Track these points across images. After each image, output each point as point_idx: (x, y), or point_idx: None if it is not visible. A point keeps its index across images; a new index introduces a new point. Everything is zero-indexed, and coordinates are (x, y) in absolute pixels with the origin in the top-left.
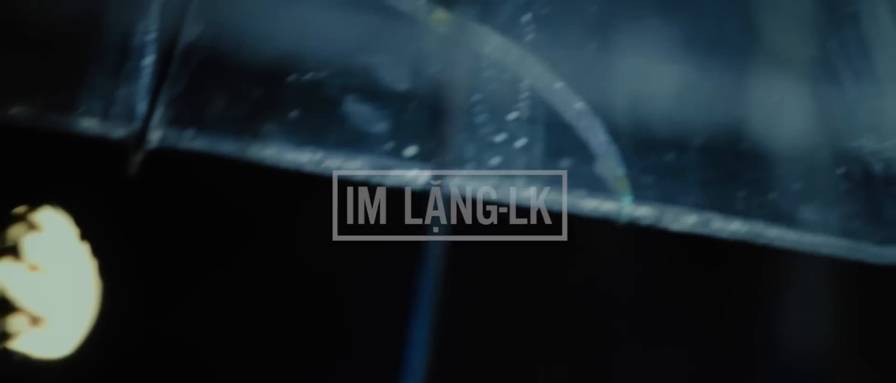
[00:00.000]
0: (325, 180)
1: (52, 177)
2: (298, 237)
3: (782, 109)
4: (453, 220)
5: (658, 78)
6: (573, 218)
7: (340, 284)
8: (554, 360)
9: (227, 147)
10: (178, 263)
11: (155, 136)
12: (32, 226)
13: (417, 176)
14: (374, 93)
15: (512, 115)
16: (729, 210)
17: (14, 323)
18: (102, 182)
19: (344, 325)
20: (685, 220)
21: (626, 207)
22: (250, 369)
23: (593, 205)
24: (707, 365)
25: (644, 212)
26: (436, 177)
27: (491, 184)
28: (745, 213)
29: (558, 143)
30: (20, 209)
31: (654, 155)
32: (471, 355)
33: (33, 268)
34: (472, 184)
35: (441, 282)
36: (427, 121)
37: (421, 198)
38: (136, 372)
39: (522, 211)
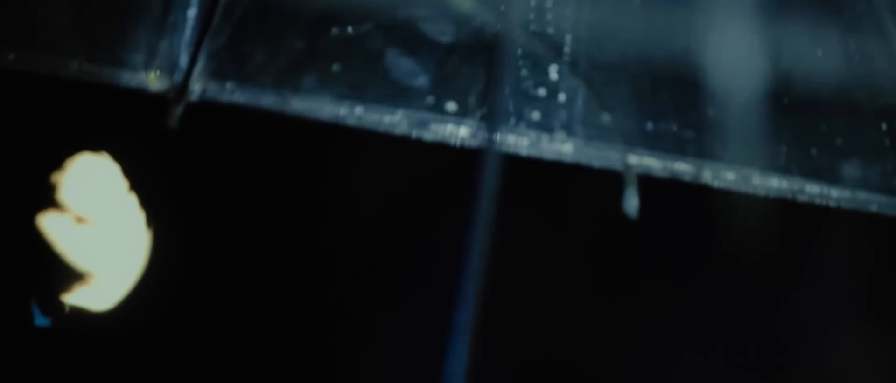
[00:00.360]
0: (365, 134)
1: (95, 128)
2: (338, 191)
3: (825, 64)
4: (499, 176)
5: (698, 32)
6: (613, 173)
7: (380, 238)
8: (598, 315)
9: (267, 100)
10: (217, 216)
11: (196, 89)
12: (78, 178)
13: (458, 130)
14: (416, 46)
15: (553, 70)
16: (769, 166)
17: (62, 276)
18: (143, 135)
19: (384, 281)
20: (725, 177)
21: (632, 199)
22: (291, 322)
23: (635, 160)
24: (743, 322)
25: (684, 168)
26: (481, 132)
27: (530, 139)
28: (785, 169)
29: (599, 98)
30: (66, 161)
31: (695, 110)
32: (518, 311)
33: (80, 220)
34: (514, 138)
35: (488, 241)
36: (469, 75)
37: (463, 152)
38: (181, 325)
39: (566, 166)
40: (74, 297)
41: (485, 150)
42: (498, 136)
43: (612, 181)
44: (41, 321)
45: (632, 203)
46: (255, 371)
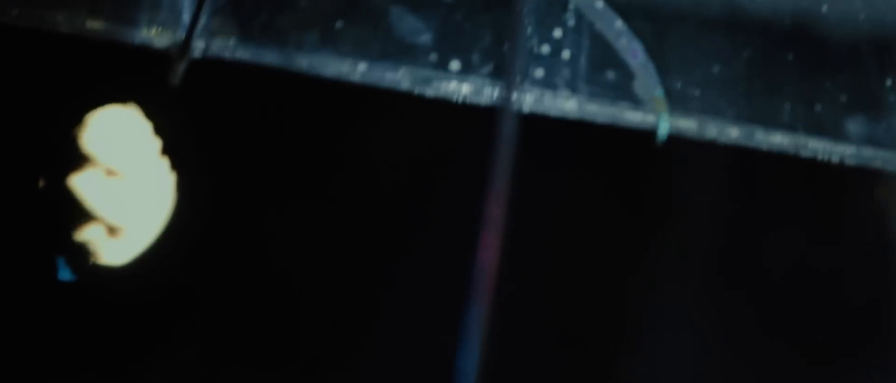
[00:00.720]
0: (370, 91)
1: (98, 85)
2: (342, 149)
3: (829, 19)
4: (514, 133)
5: None
6: (623, 130)
7: (390, 195)
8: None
9: (270, 57)
10: (220, 174)
11: (199, 46)
12: (103, 133)
13: (461, 88)
14: (420, 3)
15: (557, 28)
16: (773, 122)
17: (91, 230)
18: (146, 92)
19: (397, 236)
20: (729, 133)
21: (664, 126)
22: (300, 275)
23: (638, 118)
24: (755, 278)
25: (688, 125)
26: (491, 89)
27: (534, 96)
28: (789, 126)
29: (603, 56)
30: (89, 115)
31: (699, 66)
32: (534, 266)
33: (110, 173)
34: (520, 96)
35: (505, 198)
36: (473, 33)
37: (469, 110)
38: (204, 276)
39: (575, 123)
40: (96, 251)
41: (498, 108)
42: (512, 94)
43: (616, 138)
44: (65, 275)
45: (663, 128)
46: (272, 322)
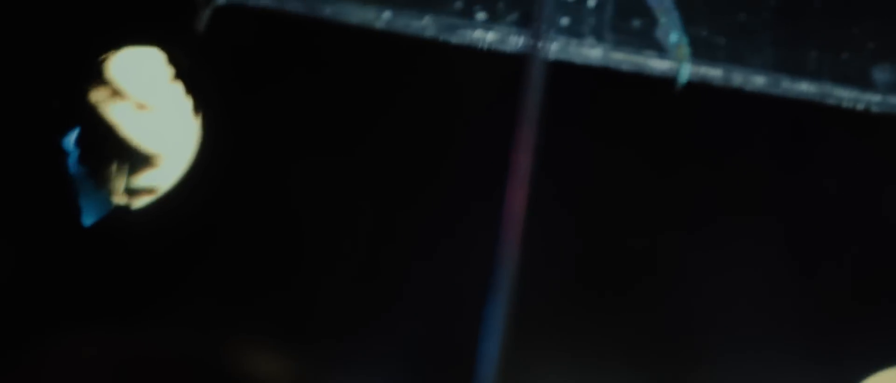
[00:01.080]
0: (393, 38)
1: (126, 29)
2: (367, 96)
3: None
4: (540, 81)
5: None
6: (646, 78)
7: (417, 141)
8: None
9: (293, 4)
10: (245, 118)
11: None
12: (131, 69)
13: (487, 36)
14: None
15: None
16: (799, 70)
17: (126, 161)
18: (173, 36)
19: (423, 187)
20: (755, 81)
21: (684, 73)
22: (330, 220)
23: (663, 66)
24: (778, 226)
25: (713, 73)
26: (519, 37)
27: (560, 44)
28: (816, 74)
29: (629, 4)
30: (116, 52)
31: (726, 15)
32: (563, 211)
33: (141, 106)
34: (546, 44)
35: (532, 144)
36: None
37: (493, 58)
38: (225, 219)
39: (600, 71)
40: (138, 182)
41: (523, 56)
42: (537, 42)
43: (641, 85)
44: (89, 220)
45: (684, 74)
46: (292, 267)
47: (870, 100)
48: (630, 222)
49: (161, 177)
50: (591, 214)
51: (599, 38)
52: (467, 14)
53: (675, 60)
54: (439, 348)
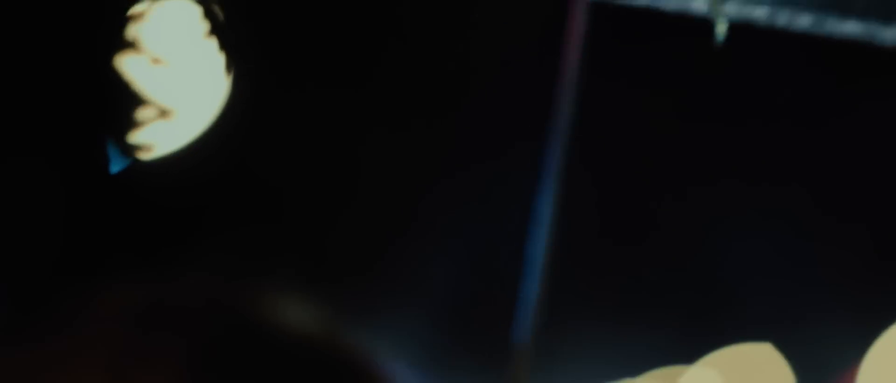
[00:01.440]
0: None
1: None
2: (400, 35)
3: None
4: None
5: None
6: (691, 18)
7: (453, 84)
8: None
9: None
10: (273, 66)
11: None
12: (153, 21)
13: None
14: None
15: None
16: (846, 9)
17: (141, 114)
18: None
19: (461, 129)
20: (799, 21)
21: (722, 26)
22: (358, 168)
23: (706, 6)
24: (821, 174)
25: (759, 13)
26: None
27: None
28: (862, 13)
29: None
30: (140, 4)
31: None
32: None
33: (156, 61)
34: None
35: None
36: None
37: None
38: (250, 166)
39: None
40: (153, 136)
41: None
42: None
43: (684, 26)
44: (117, 163)
45: (721, 29)
46: (320, 215)
47: None
48: (671, 164)
49: (183, 132)
50: (632, 156)
51: None
52: None
53: (714, 15)
54: (476, 295)
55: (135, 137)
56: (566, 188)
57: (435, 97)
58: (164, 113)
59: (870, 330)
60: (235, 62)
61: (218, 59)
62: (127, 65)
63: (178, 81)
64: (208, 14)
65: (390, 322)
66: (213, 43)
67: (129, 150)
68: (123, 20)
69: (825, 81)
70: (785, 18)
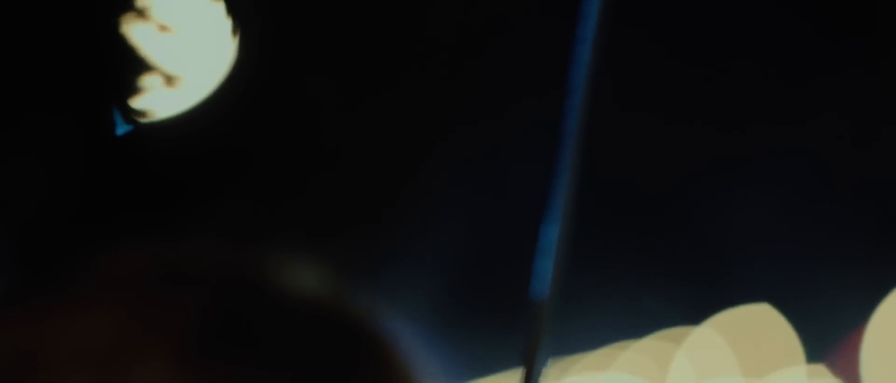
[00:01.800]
0: None
1: None
2: (412, 9)
3: None
4: None
5: None
6: None
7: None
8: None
9: None
10: (278, 36)
11: None
12: None
13: None
14: None
15: None
16: None
17: (146, 80)
18: None
19: (481, 83)
20: None
21: None
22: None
23: None
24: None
25: None
26: None
27: None
28: None
29: None
30: None
31: None
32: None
33: (163, 28)
34: None
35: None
36: None
37: None
38: (257, 132)
39: None
40: (156, 103)
41: None
42: None
43: None
44: (122, 127)
45: None
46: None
47: None
48: (688, 127)
49: (189, 97)
50: (649, 121)
51: None
52: None
53: None
54: (492, 251)
55: (141, 103)
56: (585, 142)
57: (452, 48)
58: (170, 79)
59: (875, 293)
60: (242, 25)
61: (225, 23)
62: (134, 32)
63: (184, 47)
64: None
65: (404, 279)
66: (220, 6)
67: (135, 116)
68: None
69: (832, 34)
70: None
